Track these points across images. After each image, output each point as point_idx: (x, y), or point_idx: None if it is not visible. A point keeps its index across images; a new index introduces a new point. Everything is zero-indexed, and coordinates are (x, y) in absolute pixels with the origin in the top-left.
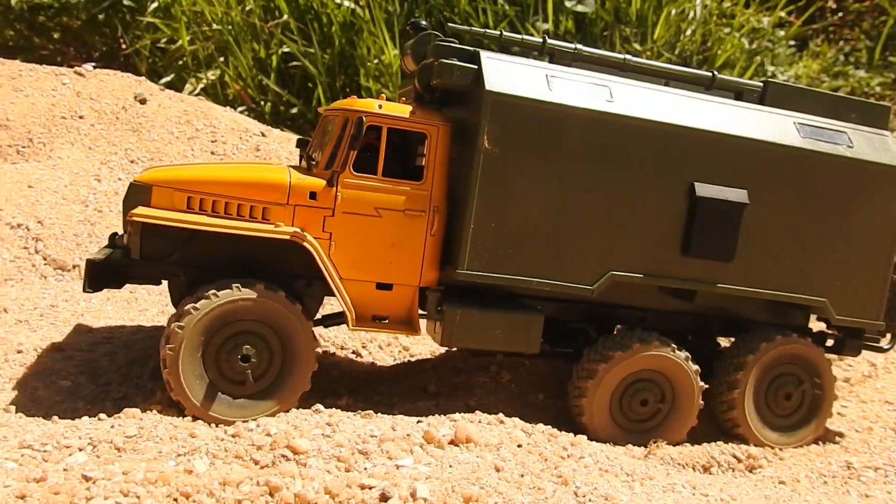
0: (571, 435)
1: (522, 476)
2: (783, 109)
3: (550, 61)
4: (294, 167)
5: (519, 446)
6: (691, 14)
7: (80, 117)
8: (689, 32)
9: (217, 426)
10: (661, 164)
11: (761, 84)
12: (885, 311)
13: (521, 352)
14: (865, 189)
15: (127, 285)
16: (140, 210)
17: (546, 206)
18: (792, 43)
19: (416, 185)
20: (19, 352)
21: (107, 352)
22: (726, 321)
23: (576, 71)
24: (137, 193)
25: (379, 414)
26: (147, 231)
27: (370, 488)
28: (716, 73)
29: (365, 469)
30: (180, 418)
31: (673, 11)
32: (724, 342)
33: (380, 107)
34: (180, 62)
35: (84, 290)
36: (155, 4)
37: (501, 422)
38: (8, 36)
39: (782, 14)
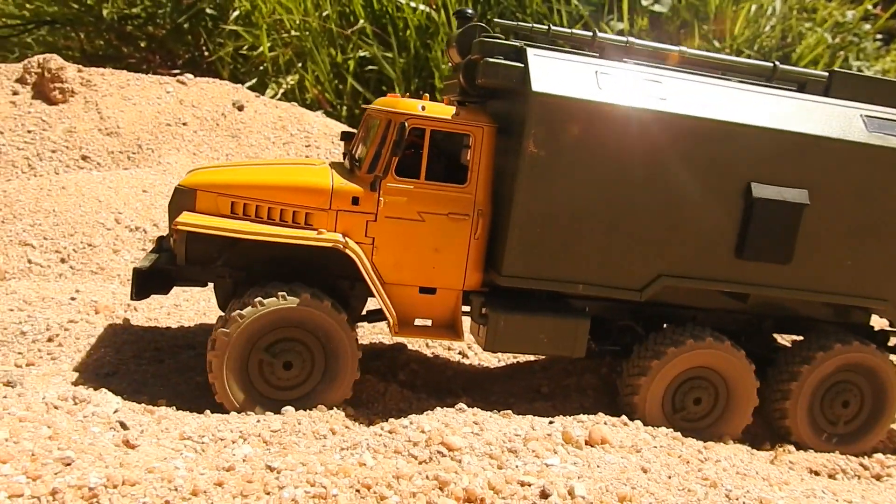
0: (693, 440)
1: (670, 478)
2: (851, 101)
3: (601, 56)
4: (337, 164)
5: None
6: (770, 9)
7: (184, 124)
8: (768, 28)
9: (373, 423)
10: (714, 164)
11: (826, 74)
12: None
13: (567, 356)
14: None
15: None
16: (184, 217)
17: (592, 209)
18: (879, 36)
19: (460, 188)
20: (157, 349)
21: None
22: (782, 320)
23: (628, 67)
24: (183, 197)
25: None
26: (192, 238)
27: (529, 485)
28: (777, 63)
29: (517, 467)
30: (321, 413)
31: (753, 7)
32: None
33: (423, 108)
34: (261, 68)
35: (131, 299)
36: (236, 13)
37: (626, 424)
38: (98, 45)
39: (868, 7)
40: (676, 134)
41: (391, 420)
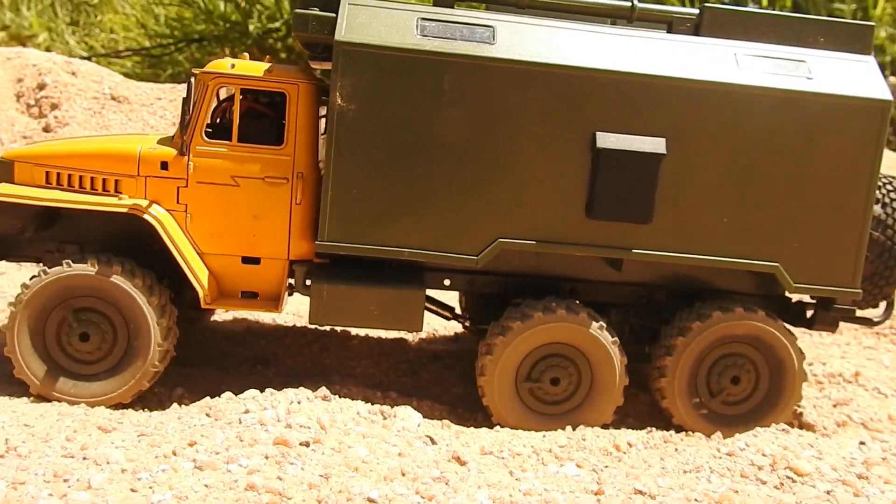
0: None
1: None
2: (725, 39)
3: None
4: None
5: None
6: None
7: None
8: None
9: (709, 441)
10: (551, 113)
11: (696, 11)
12: (866, 276)
13: (405, 330)
14: (831, 129)
15: None
16: None
17: (415, 168)
18: None
19: (276, 150)
20: None
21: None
22: (677, 292)
23: (460, 13)
24: (2, 170)
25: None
26: None
27: None
28: (636, 1)
29: (873, 494)
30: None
31: None
32: None
33: (232, 66)
34: None
35: None
36: None
37: None
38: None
39: None
40: (506, 82)
41: (727, 442)
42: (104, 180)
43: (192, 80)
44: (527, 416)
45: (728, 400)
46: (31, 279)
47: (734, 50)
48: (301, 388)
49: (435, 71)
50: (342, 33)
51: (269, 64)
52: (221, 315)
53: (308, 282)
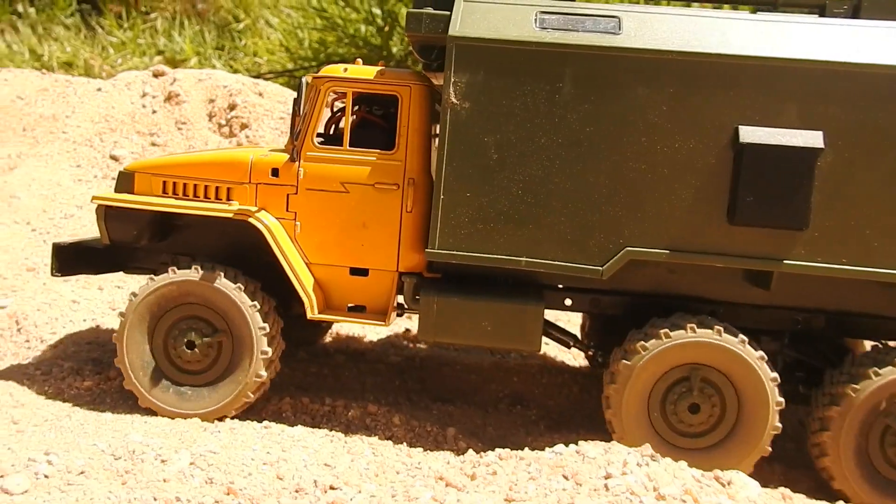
0: None
1: None
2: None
3: None
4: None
5: None
6: None
7: None
8: None
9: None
10: (688, 107)
11: None
12: None
13: (519, 349)
14: None
15: None
16: (100, 193)
17: (534, 170)
18: None
19: (387, 154)
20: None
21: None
22: (838, 319)
23: (582, 5)
24: (124, 180)
25: None
26: (110, 215)
27: None
28: None
29: None
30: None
31: None
32: None
33: (345, 70)
34: None
35: (52, 274)
36: None
37: None
38: None
39: None
40: (634, 74)
41: None
42: (217, 188)
43: (303, 85)
44: (663, 451)
45: None
46: (139, 288)
47: None
48: (615, 443)
49: (555, 65)
50: (456, 28)
51: (382, 68)
52: (463, 350)
53: (417, 296)
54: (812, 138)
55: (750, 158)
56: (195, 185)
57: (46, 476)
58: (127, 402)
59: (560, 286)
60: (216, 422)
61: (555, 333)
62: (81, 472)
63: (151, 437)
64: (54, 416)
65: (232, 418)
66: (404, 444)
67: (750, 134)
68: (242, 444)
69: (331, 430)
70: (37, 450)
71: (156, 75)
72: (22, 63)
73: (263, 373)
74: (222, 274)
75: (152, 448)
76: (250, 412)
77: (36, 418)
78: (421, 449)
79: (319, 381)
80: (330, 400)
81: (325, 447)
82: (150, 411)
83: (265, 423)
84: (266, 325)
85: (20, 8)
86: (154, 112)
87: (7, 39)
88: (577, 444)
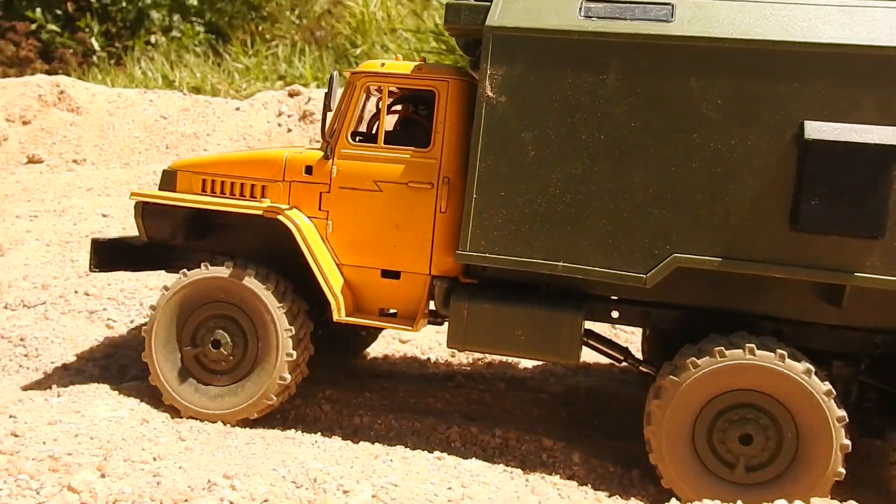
0: None
1: None
2: None
3: None
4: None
5: None
6: None
7: None
8: None
9: None
10: (746, 101)
11: None
12: None
13: (554, 360)
14: None
15: None
16: (140, 190)
17: (574, 168)
18: None
19: (422, 152)
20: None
21: None
22: None
23: None
24: (167, 179)
25: None
26: (148, 212)
27: None
28: None
29: None
30: None
31: None
32: None
33: (382, 65)
34: None
35: (90, 270)
36: None
37: None
38: None
39: None
40: (687, 65)
41: None
42: (252, 186)
43: (333, 80)
44: (705, 482)
45: None
46: (171, 283)
47: None
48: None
49: (600, 55)
50: (495, 17)
51: (420, 63)
52: (628, 382)
53: (447, 300)
54: (891, 135)
55: (816, 157)
56: (232, 183)
57: (231, 503)
58: (282, 419)
59: (610, 297)
60: (388, 449)
61: (602, 347)
62: (265, 501)
63: (331, 465)
64: (216, 433)
65: (406, 447)
66: (588, 485)
67: (817, 130)
68: (418, 476)
69: (507, 466)
70: (210, 470)
71: (291, 95)
72: (156, 88)
73: (287, 376)
74: (253, 273)
75: (333, 477)
76: (419, 440)
77: (201, 436)
78: (606, 493)
79: (484, 410)
80: (500, 431)
81: (506, 484)
82: (307, 428)
83: (436, 453)
84: (293, 327)
85: (153, 39)
86: (289, 130)
87: (143, 67)
88: None
